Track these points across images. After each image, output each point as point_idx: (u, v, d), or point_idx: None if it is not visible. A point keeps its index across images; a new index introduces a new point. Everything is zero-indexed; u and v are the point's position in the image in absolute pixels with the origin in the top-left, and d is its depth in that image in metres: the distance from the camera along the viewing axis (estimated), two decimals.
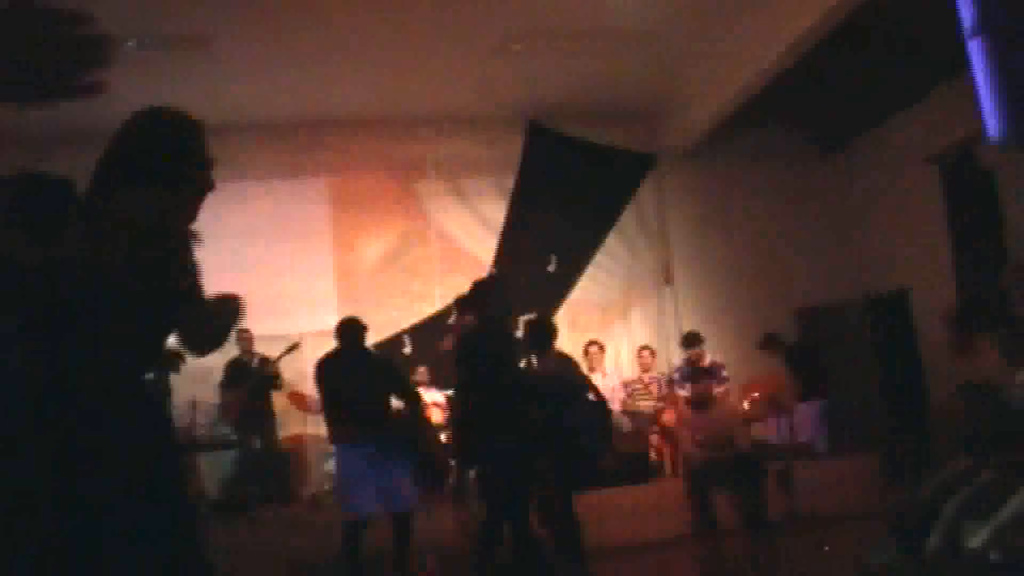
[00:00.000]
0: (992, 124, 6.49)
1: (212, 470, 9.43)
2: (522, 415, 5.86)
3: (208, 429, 9.19)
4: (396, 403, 6.76)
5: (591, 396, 6.68)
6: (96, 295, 2.29)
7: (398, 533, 6.46)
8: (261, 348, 9.68)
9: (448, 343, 9.85)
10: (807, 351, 10.36)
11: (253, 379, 9.53)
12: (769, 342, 10.24)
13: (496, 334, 6.14)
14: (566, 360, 6.80)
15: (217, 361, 9.18)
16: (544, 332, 6.69)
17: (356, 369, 6.64)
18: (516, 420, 5.77)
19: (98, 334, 2.28)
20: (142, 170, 2.45)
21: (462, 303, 7.29)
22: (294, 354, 9.53)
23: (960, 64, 6.89)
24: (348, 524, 6.43)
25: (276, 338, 9.67)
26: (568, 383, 6.44)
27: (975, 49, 6.48)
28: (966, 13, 6.57)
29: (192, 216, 2.57)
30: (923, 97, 10.32)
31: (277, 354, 9.52)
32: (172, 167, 2.48)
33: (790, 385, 9.61)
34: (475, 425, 5.95)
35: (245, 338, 9.55)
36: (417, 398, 6.95)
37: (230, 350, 9.31)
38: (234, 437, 9.32)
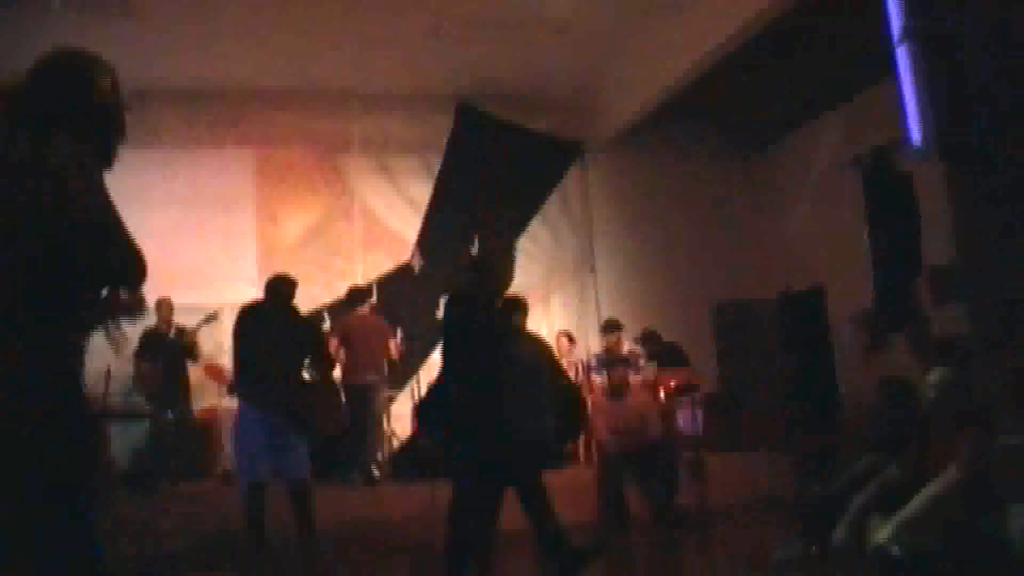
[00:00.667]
0: (914, 131, 6.64)
1: (124, 442, 9.21)
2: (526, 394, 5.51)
3: (122, 399, 8.98)
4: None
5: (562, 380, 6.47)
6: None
7: (296, 503, 6.29)
8: (180, 319, 9.47)
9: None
10: (669, 348, 10.26)
11: (169, 349, 9.33)
12: (647, 339, 10.23)
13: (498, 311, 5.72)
14: (540, 341, 6.46)
15: (134, 330, 8.96)
16: (520, 314, 6.17)
17: (275, 326, 6.39)
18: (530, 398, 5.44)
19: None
20: (52, 111, 2.40)
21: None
22: (212, 326, 9.37)
23: (882, 70, 7.03)
24: (247, 488, 6.24)
25: (195, 309, 9.50)
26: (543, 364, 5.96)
27: (900, 55, 6.61)
28: (893, 20, 6.71)
29: (110, 160, 2.52)
30: (845, 101, 10.51)
31: (195, 325, 9.34)
32: (82, 104, 2.45)
33: (704, 377, 9.74)
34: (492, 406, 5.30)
35: (164, 308, 9.35)
36: (330, 369, 6.82)
37: (147, 319, 9.10)
38: (148, 409, 9.12)
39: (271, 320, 6.42)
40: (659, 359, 9.91)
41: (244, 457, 6.31)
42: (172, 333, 9.46)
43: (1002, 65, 6.16)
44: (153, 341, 9.21)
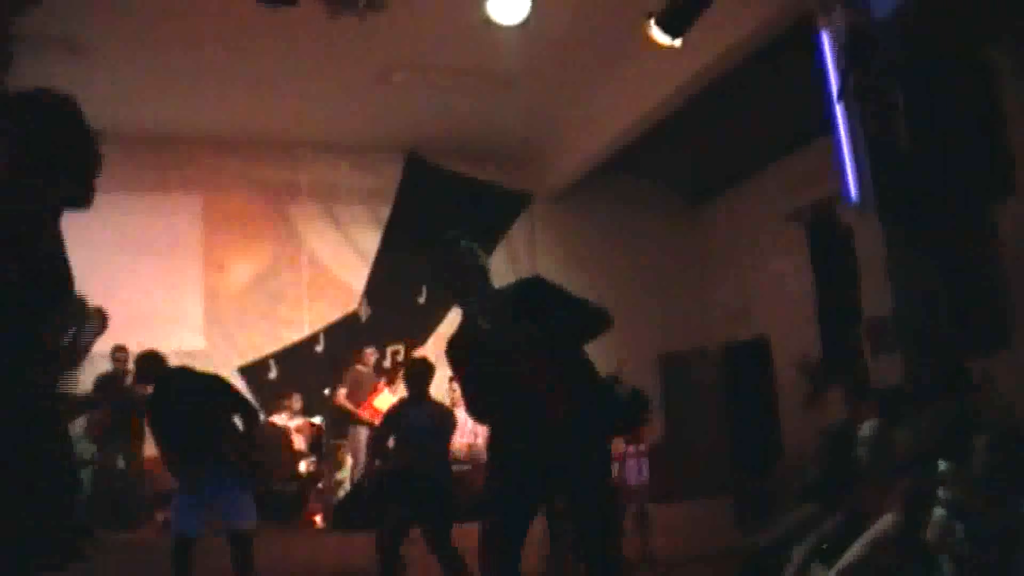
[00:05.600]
0: (850, 185, 6.82)
1: None
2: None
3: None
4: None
5: None
6: None
7: (236, 556, 6.23)
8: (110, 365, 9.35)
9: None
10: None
11: (124, 398, 9.20)
12: None
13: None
14: (440, 404, 7.06)
15: (88, 374, 8.83)
16: (428, 378, 6.78)
17: (184, 394, 6.34)
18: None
19: None
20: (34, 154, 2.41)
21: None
22: None
23: (821, 126, 7.24)
24: (175, 544, 6.17)
25: None
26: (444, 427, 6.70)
27: (838, 113, 6.82)
28: (832, 80, 6.92)
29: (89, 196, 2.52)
30: (785, 155, 10.72)
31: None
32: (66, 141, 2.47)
33: (651, 426, 9.76)
34: None
35: (120, 357, 9.25)
36: (255, 416, 6.77)
37: (101, 365, 8.99)
38: (87, 456, 8.98)
39: (177, 388, 6.33)
40: None
41: (178, 515, 6.25)
42: (128, 380, 9.35)
43: (933, 123, 6.38)
44: (107, 388, 9.10)
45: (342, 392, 9.64)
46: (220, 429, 6.28)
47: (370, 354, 10.07)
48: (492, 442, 4.00)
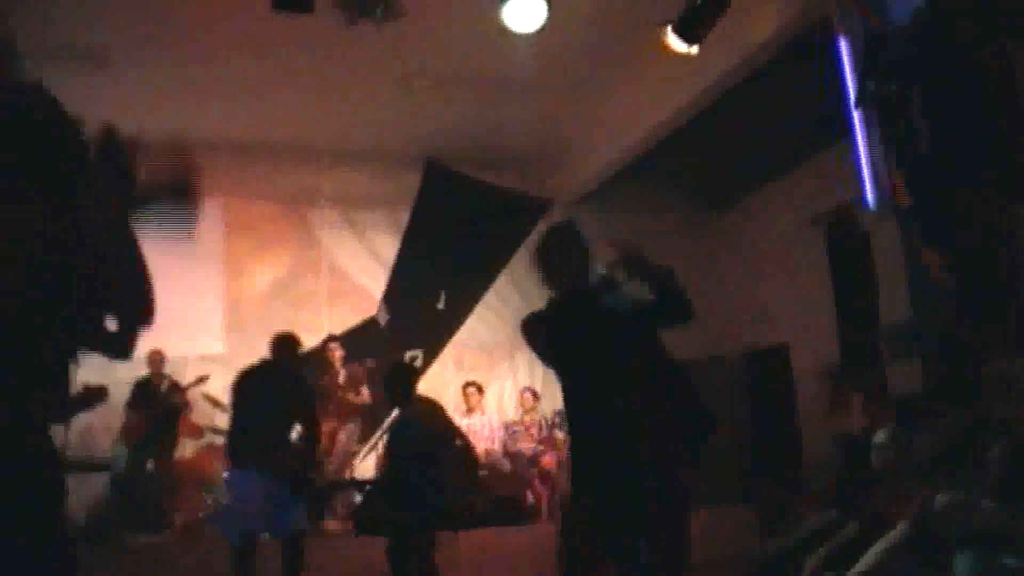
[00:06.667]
0: (868, 191, 6.79)
1: (82, 494, 9.12)
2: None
3: (85, 450, 8.94)
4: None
5: (458, 442, 6.79)
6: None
7: (288, 560, 6.33)
8: (145, 370, 9.46)
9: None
10: None
11: (160, 404, 9.34)
12: None
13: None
14: (430, 407, 6.77)
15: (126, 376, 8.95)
16: (405, 381, 6.62)
17: (274, 389, 6.47)
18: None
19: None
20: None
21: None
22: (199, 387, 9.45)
23: (843, 131, 7.20)
24: (236, 547, 6.28)
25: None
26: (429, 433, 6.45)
27: (856, 118, 6.78)
28: (851, 84, 6.88)
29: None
30: (806, 161, 10.67)
31: (187, 383, 9.51)
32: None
33: None
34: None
35: (156, 360, 9.38)
36: (317, 431, 6.87)
37: (140, 369, 9.13)
38: (106, 461, 9.07)
39: (270, 381, 6.48)
40: None
41: (235, 517, 6.35)
42: (165, 385, 9.48)
43: (953, 126, 6.33)
44: (143, 393, 9.22)
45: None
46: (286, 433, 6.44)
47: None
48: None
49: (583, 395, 3.89)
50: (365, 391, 10.01)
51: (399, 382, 6.56)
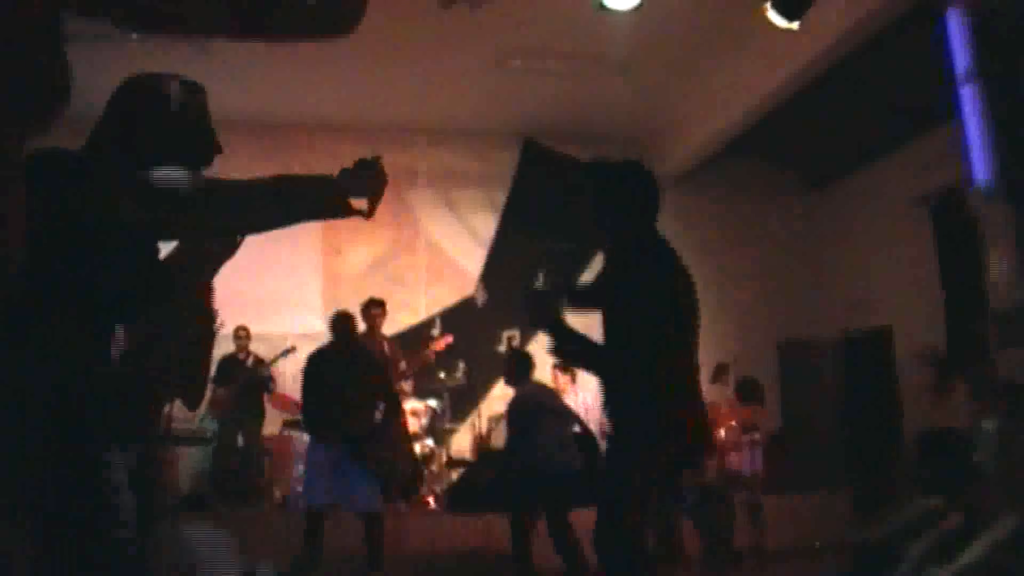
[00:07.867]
0: (979, 170, 6.57)
1: (187, 466, 9.35)
2: None
3: (187, 423, 9.16)
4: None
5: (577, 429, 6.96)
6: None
7: (367, 534, 6.47)
8: (232, 346, 9.67)
9: (431, 354, 9.92)
10: (751, 384, 10.03)
11: (246, 378, 9.54)
12: (720, 373, 10.03)
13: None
14: (549, 390, 7.28)
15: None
16: (524, 365, 6.93)
17: (347, 368, 6.61)
18: None
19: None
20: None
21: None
22: (287, 358, 9.55)
23: (951, 109, 6.97)
24: (309, 515, 6.45)
25: (261, 337, 9.76)
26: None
27: (966, 96, 6.56)
28: (959, 60, 6.66)
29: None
30: (913, 139, 10.38)
31: (266, 354, 9.59)
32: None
33: (765, 416, 9.56)
34: None
35: (242, 336, 9.57)
36: (397, 407, 6.97)
37: (225, 346, 9.33)
38: (208, 434, 9.28)
39: (341, 360, 6.62)
40: (737, 390, 9.79)
41: (308, 484, 6.53)
42: (250, 361, 9.67)
43: None
44: (229, 367, 9.42)
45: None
46: (369, 412, 6.58)
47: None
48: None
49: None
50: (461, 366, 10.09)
51: (522, 364, 6.91)
